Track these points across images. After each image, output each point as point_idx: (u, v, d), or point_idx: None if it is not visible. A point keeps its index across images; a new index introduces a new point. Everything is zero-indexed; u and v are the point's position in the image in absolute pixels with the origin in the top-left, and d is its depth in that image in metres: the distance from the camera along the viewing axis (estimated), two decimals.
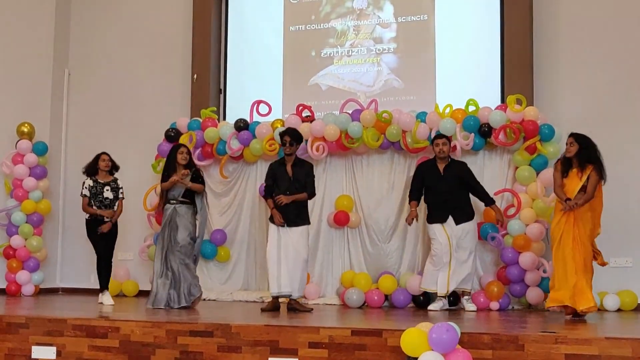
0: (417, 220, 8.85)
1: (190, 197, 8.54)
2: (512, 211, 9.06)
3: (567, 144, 7.51)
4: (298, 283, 8.13)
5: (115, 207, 9.08)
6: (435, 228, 8.59)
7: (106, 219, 8.97)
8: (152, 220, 10.34)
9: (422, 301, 9.02)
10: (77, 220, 11.21)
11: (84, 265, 11.17)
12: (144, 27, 11.60)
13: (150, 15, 11.61)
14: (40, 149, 10.82)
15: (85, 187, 9.02)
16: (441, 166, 8.69)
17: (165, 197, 8.60)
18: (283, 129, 8.76)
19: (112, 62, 11.69)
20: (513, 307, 8.99)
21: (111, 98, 11.60)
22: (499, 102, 9.67)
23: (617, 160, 9.23)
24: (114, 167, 9.25)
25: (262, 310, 8.08)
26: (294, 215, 8.19)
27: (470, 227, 8.59)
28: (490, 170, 9.50)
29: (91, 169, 9.13)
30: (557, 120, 9.33)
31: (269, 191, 8.32)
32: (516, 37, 9.71)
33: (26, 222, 10.61)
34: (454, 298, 8.95)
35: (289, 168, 8.26)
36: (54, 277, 11.41)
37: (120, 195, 9.13)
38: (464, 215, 8.57)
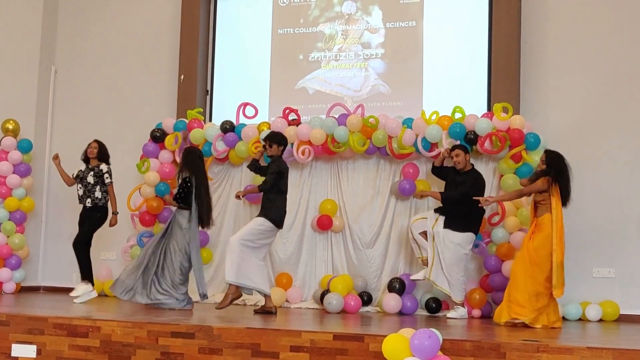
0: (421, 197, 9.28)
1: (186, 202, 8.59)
2: (496, 219, 9.08)
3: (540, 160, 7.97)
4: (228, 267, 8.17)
5: (96, 193, 9.10)
6: (429, 214, 8.72)
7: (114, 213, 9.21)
8: (136, 221, 10.30)
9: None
10: (60, 218, 11.24)
11: (66, 264, 11.09)
12: (132, 26, 11.56)
13: (138, 14, 11.57)
14: (25, 147, 10.76)
15: (77, 170, 9.26)
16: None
17: None
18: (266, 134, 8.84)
19: (99, 60, 11.64)
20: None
21: (97, 97, 11.55)
22: (485, 110, 9.69)
23: (601, 170, 9.32)
24: (102, 155, 9.25)
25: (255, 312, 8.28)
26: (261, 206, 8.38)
27: (456, 238, 8.44)
28: None
29: (84, 156, 9.31)
30: (543, 129, 9.37)
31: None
32: (503, 45, 9.74)
33: (9, 220, 10.54)
34: (436, 305, 8.98)
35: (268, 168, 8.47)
36: (35, 275, 11.34)
37: (106, 181, 9.12)
38: (458, 225, 8.44)
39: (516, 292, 7.61)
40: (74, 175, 9.26)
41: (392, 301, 8.96)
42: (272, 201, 8.27)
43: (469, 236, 8.50)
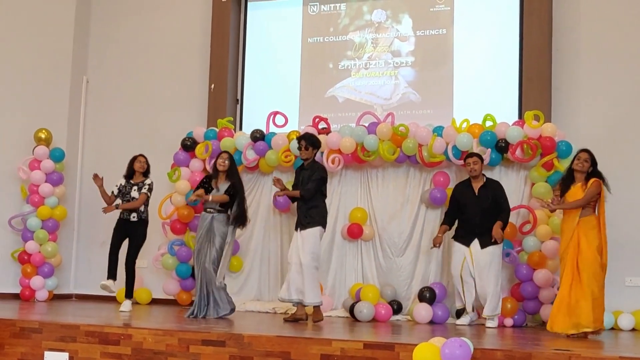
0: (440, 245, 8.81)
1: (225, 206, 8.52)
2: (527, 227, 9.02)
3: (579, 158, 7.52)
4: (307, 289, 8.12)
5: (141, 207, 9.13)
6: (456, 247, 8.60)
7: (115, 205, 9.12)
8: (167, 229, 10.36)
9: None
10: (92, 226, 11.33)
11: (98, 272, 11.14)
12: (163, 36, 11.65)
13: (169, 24, 11.65)
14: (57, 156, 10.87)
15: (116, 186, 9.19)
16: (476, 186, 8.62)
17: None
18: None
19: (130, 70, 11.74)
20: (527, 324, 8.93)
21: (128, 106, 11.65)
22: (516, 118, 9.64)
23: (633, 178, 9.22)
24: (148, 170, 9.33)
25: (285, 320, 8.27)
26: (302, 217, 8.31)
27: (497, 251, 8.45)
28: (506, 186, 9.38)
29: (129, 171, 9.26)
30: (575, 137, 9.27)
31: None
32: (535, 53, 9.69)
33: (41, 228, 10.65)
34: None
35: (306, 172, 8.39)
36: (67, 283, 11.44)
37: (144, 190, 9.14)
38: (491, 238, 8.42)
39: (584, 300, 7.19)
40: (115, 193, 9.19)
41: (423, 311, 8.91)
42: (318, 207, 8.29)
43: (500, 247, 8.49)
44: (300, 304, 8.23)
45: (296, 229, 8.35)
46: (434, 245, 8.75)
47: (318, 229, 8.24)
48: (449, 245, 9.01)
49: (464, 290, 8.52)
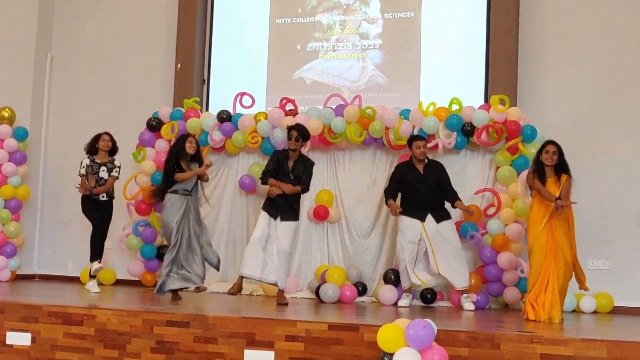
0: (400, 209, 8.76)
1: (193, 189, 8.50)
2: (492, 211, 9.09)
3: (548, 152, 7.53)
4: (280, 274, 8.22)
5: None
6: (408, 222, 8.62)
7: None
8: (132, 210, 10.30)
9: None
10: (56, 207, 11.23)
11: (62, 252, 11.14)
12: (129, 15, 11.52)
13: (136, 3, 11.53)
14: (21, 135, 10.73)
15: (83, 167, 8.97)
16: (420, 167, 8.71)
17: (167, 186, 8.38)
18: (293, 123, 8.75)
19: (96, 48, 11.60)
20: (490, 306, 9.02)
21: (93, 85, 11.52)
22: (482, 102, 9.69)
23: (596, 163, 9.33)
24: (114, 149, 9.18)
25: (228, 293, 8.35)
26: (286, 208, 8.30)
27: (451, 224, 8.64)
28: (471, 170, 9.53)
29: (91, 148, 9.05)
30: (540, 121, 9.37)
31: (267, 176, 8.36)
32: (501, 37, 9.73)
33: (4, 208, 10.53)
34: (432, 296, 8.98)
35: (290, 162, 8.37)
36: (30, 263, 11.33)
37: (114, 174, 9.04)
38: (444, 214, 8.62)
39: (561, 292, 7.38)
40: (83, 173, 8.94)
41: (388, 292, 8.96)
42: (299, 200, 8.45)
43: (453, 221, 8.73)
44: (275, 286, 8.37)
45: (273, 217, 8.28)
46: (394, 214, 8.73)
47: (298, 222, 8.51)
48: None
49: (414, 269, 8.62)
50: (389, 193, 8.74)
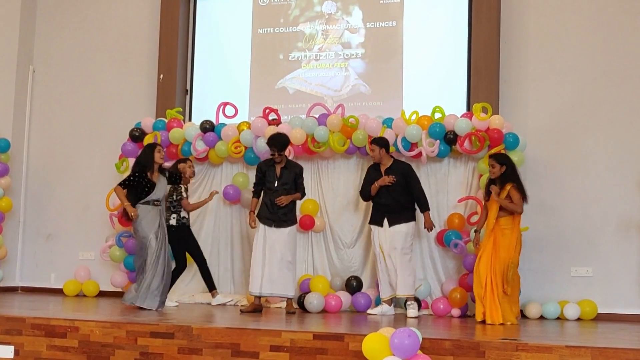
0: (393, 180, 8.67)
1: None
2: (475, 218, 9.11)
3: (489, 166, 8.07)
4: (285, 283, 8.41)
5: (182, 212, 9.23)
6: (373, 231, 8.77)
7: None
8: (115, 221, 10.24)
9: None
10: (38, 219, 11.16)
11: (44, 264, 11.07)
12: (111, 26, 11.49)
13: (117, 13, 11.50)
14: (3, 146, 10.68)
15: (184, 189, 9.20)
16: (382, 168, 8.77)
17: (139, 198, 8.34)
18: (271, 133, 8.91)
19: (78, 59, 11.55)
20: (473, 314, 9.02)
21: (76, 96, 11.47)
22: (465, 110, 9.72)
23: (579, 170, 9.38)
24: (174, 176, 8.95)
25: (242, 311, 8.31)
26: (282, 214, 8.48)
27: (403, 229, 8.56)
28: (454, 178, 9.54)
29: (177, 179, 8.86)
30: (522, 129, 9.42)
31: (259, 191, 8.63)
32: (483, 46, 9.78)
33: None
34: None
35: (277, 169, 8.56)
36: (13, 275, 11.24)
37: (185, 195, 9.22)
38: (400, 217, 8.60)
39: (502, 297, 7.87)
40: (184, 195, 9.16)
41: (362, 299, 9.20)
42: (294, 207, 8.68)
43: (410, 225, 8.67)
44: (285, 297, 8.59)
45: (268, 225, 8.50)
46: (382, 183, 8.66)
47: (296, 226, 8.70)
48: None
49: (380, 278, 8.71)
50: (362, 194, 8.99)
